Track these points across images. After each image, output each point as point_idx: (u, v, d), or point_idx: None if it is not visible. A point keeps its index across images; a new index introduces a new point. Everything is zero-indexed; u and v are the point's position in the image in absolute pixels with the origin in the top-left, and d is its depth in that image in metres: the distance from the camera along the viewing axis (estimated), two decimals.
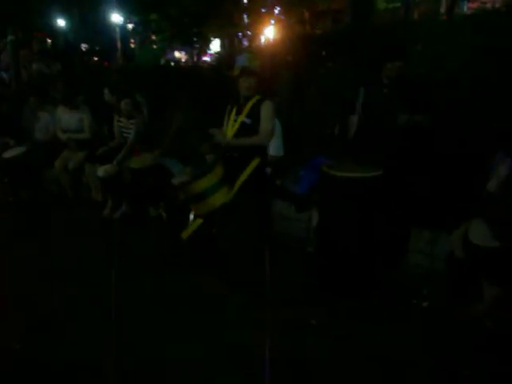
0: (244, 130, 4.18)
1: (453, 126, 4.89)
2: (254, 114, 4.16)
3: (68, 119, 6.99)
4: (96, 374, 3.24)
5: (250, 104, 4.18)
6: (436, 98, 4.77)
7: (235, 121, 4.24)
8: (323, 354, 3.42)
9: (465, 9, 15.80)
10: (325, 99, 6.43)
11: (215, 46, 21.46)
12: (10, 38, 10.06)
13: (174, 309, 4.02)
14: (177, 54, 25.02)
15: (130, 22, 19.27)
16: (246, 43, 16.26)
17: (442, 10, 13.59)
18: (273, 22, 16.05)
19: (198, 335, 3.65)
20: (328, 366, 3.32)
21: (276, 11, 16.71)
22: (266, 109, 4.15)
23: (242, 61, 4.31)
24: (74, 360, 3.39)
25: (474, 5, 16.03)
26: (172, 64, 13.34)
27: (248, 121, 4.17)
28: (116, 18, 16.38)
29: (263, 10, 16.10)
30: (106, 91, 6.65)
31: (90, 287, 4.39)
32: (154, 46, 19.48)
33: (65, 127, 7.01)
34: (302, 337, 3.62)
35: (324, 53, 7.34)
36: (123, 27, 20.43)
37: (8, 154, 6.85)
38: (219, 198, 4.06)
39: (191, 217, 4.75)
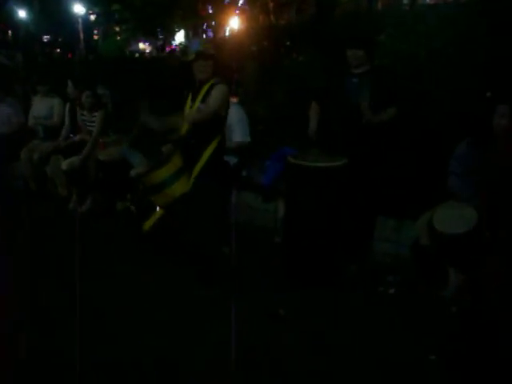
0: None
1: (417, 116, 4.95)
2: (207, 98, 4.10)
3: (39, 106, 6.88)
4: (64, 368, 3.18)
5: (204, 89, 4.12)
6: (401, 88, 4.80)
7: (191, 107, 4.19)
8: (292, 343, 3.43)
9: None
10: (290, 89, 6.43)
11: (180, 37, 21.28)
12: None
13: (139, 303, 3.95)
14: (141, 45, 24.73)
15: (92, 13, 18.95)
16: (210, 34, 16.16)
17: (405, 0, 13.75)
18: (237, 12, 15.98)
19: (164, 330, 3.59)
20: (296, 354, 3.32)
21: (240, 2, 16.65)
22: (216, 90, 4.08)
23: (195, 45, 4.27)
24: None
25: None
26: (136, 55, 13.18)
27: (202, 106, 4.11)
28: (78, 8, 16.08)
29: (226, 1, 16.02)
30: (70, 83, 6.53)
31: (55, 283, 4.30)
32: (118, 38, 19.20)
33: (35, 114, 6.88)
34: (271, 327, 3.61)
35: (289, 43, 7.36)
36: (85, 18, 20.08)
37: None
38: (178, 188, 4.01)
39: (150, 208, 4.70)
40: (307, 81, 6.30)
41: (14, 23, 18.17)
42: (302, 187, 4.19)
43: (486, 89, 4.60)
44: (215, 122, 4.13)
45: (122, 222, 5.66)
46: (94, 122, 6.20)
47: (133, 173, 4.23)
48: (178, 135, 4.21)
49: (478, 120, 4.12)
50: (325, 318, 3.73)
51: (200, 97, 4.12)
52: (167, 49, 19.88)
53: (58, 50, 17.18)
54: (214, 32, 14.79)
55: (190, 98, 4.23)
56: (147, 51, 22.27)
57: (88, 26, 20.00)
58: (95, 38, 22.19)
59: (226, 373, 3.06)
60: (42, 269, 4.57)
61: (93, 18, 20.08)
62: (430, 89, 5.05)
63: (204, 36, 17.36)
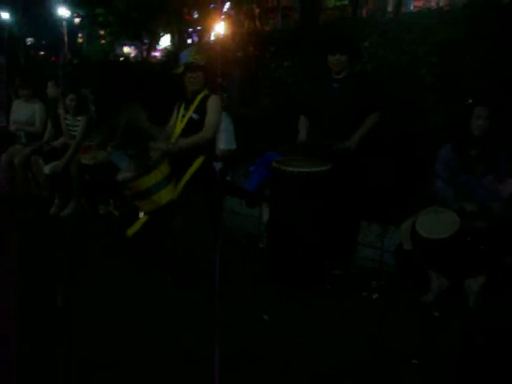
0: (192, 126, 4.15)
1: (400, 122, 5.00)
2: (202, 110, 4.13)
3: (21, 110, 6.81)
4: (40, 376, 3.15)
5: (197, 99, 4.15)
6: (384, 94, 4.85)
7: (183, 116, 4.20)
8: (276, 349, 3.42)
9: (411, 7, 16.18)
10: (275, 94, 6.46)
11: (166, 41, 21.25)
12: None
13: (122, 309, 3.93)
14: (126, 49, 24.65)
15: (77, 16, 18.83)
16: (196, 39, 16.17)
17: (389, 8, 13.88)
18: (223, 17, 16.01)
19: (147, 335, 3.57)
20: (279, 358, 3.31)
21: (226, 7, 16.68)
22: (212, 103, 4.12)
23: (185, 57, 4.28)
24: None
25: (420, 3, 16.45)
26: (121, 59, 13.11)
27: (195, 116, 4.14)
28: (62, 11, 16.00)
29: (212, 6, 16.03)
30: (50, 86, 6.47)
31: (37, 287, 4.26)
32: (102, 41, 19.10)
33: (17, 119, 6.81)
34: (255, 332, 3.60)
35: (273, 49, 7.38)
36: (70, 21, 19.96)
37: None
38: (165, 196, 4.01)
39: (135, 214, 4.68)
40: (291, 86, 6.34)
41: None
42: (285, 192, 4.19)
43: (467, 95, 4.66)
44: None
45: (105, 226, 5.62)
46: (77, 126, 6.15)
47: (120, 177, 4.19)
48: (166, 143, 4.20)
49: (459, 124, 4.18)
50: (308, 323, 3.73)
51: (193, 107, 4.15)
52: (152, 53, 19.86)
53: (42, 53, 17.07)
54: (199, 37, 14.79)
55: (182, 107, 4.24)
56: (132, 55, 22.22)
57: (72, 29, 19.89)
58: (80, 41, 22.10)
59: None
60: (26, 272, 4.54)
61: (77, 21, 19.97)
62: (413, 95, 5.10)
63: (189, 41, 17.37)
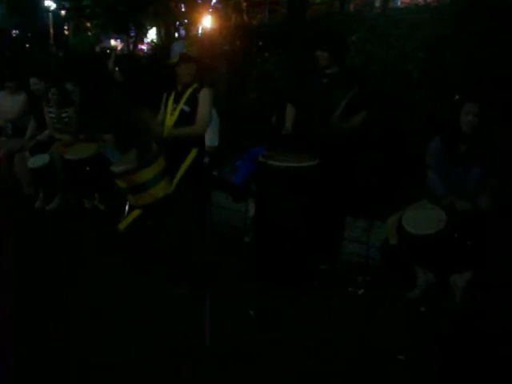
0: (183, 118, 4.10)
1: (387, 117, 5.00)
2: (193, 102, 4.09)
3: (6, 103, 6.74)
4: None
5: (188, 92, 4.10)
6: (371, 90, 4.84)
7: (174, 109, 4.16)
8: (262, 345, 3.41)
9: (398, 3, 16.21)
10: (262, 89, 6.43)
11: (152, 34, 21.08)
12: None
13: (110, 304, 3.89)
14: (112, 41, 24.43)
15: (62, 8, 18.63)
16: (183, 32, 16.02)
17: (377, 3, 13.88)
18: (210, 11, 15.90)
19: (136, 331, 3.55)
20: (265, 354, 3.31)
21: (213, 0, 16.58)
22: (204, 96, 4.09)
23: (179, 48, 4.23)
24: None
25: None
26: (107, 52, 12.97)
27: (187, 109, 4.09)
28: (49, 3, 15.83)
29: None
30: (32, 82, 6.40)
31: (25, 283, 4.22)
32: (89, 34, 18.89)
33: (2, 110, 6.73)
34: (240, 328, 3.59)
35: (261, 43, 7.35)
36: (56, 13, 19.73)
37: None
38: (161, 190, 3.97)
39: (127, 207, 4.64)
40: (278, 81, 6.32)
41: None
42: (272, 187, 4.17)
43: (454, 90, 4.67)
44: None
45: (91, 220, 5.57)
46: (61, 118, 6.08)
47: (116, 169, 4.12)
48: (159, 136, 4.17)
49: (446, 119, 4.19)
50: (294, 318, 3.73)
51: (183, 99, 4.10)
52: (139, 46, 19.70)
53: (28, 45, 16.85)
54: (187, 30, 14.69)
55: (171, 100, 4.20)
56: (119, 48, 22.02)
57: (58, 21, 19.67)
58: (66, 33, 21.85)
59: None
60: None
61: (63, 13, 19.76)
62: (400, 91, 5.10)
63: (176, 34, 17.23)
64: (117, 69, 5.89)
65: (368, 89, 4.60)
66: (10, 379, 3.03)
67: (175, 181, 4.04)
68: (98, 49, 15.22)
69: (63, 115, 6.10)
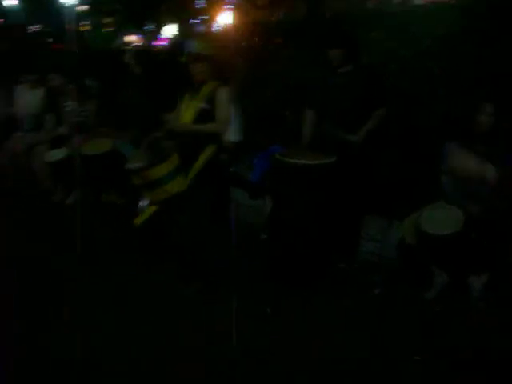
0: (201, 116, 4.12)
1: (407, 116, 4.95)
2: (210, 100, 4.10)
3: (25, 96, 6.82)
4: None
5: (205, 89, 4.11)
6: (390, 88, 4.80)
7: (191, 106, 4.16)
8: (275, 344, 3.41)
9: None
10: (279, 86, 6.40)
11: (172, 30, 21.12)
12: None
13: (122, 301, 3.92)
14: (130, 37, 24.51)
15: (81, 4, 18.74)
16: (201, 28, 16.05)
17: (395, 1, 13.74)
18: (228, 7, 15.87)
19: (149, 329, 3.56)
20: (282, 358, 3.29)
21: None
22: (222, 95, 4.09)
23: (189, 46, 4.24)
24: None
25: None
26: (125, 48, 13.02)
27: (205, 106, 4.10)
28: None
29: None
30: (53, 76, 6.44)
31: (41, 275, 4.26)
32: (107, 29, 18.99)
33: (21, 104, 6.81)
34: (257, 326, 3.59)
35: (279, 40, 7.33)
36: (75, 9, 19.80)
37: None
38: (175, 186, 3.99)
39: (143, 203, 4.66)
40: (295, 79, 6.28)
41: (2, 12, 17.89)
42: (288, 184, 4.17)
43: (473, 89, 4.62)
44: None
45: (108, 214, 5.60)
46: (80, 113, 6.12)
47: (131, 166, 4.17)
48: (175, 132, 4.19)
49: (463, 120, 4.14)
50: (309, 317, 3.72)
51: (200, 97, 4.11)
52: (157, 42, 19.75)
53: (47, 40, 16.96)
54: (205, 26, 14.72)
55: (189, 97, 4.20)
56: (137, 44, 22.08)
57: (78, 16, 19.75)
58: (85, 29, 21.95)
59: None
60: (31, 258, 4.54)
61: (83, 8, 19.85)
62: (419, 88, 5.05)
63: (194, 30, 17.25)
64: (134, 62, 5.90)
65: (387, 86, 4.57)
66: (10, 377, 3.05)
67: (190, 177, 4.05)
68: (116, 44, 15.28)
69: (81, 110, 6.15)
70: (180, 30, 18.13)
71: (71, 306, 3.79)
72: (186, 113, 4.21)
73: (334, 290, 4.10)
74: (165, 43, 19.05)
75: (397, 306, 3.88)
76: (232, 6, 15.80)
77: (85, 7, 18.47)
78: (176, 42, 11.32)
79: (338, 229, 4.29)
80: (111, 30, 17.06)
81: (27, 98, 6.82)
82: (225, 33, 8.84)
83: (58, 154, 5.92)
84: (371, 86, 4.29)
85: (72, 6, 17.78)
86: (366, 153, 4.30)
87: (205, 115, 4.13)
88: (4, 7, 17.74)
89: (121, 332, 3.52)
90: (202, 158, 4.10)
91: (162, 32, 19.20)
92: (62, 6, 17.23)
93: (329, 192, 4.08)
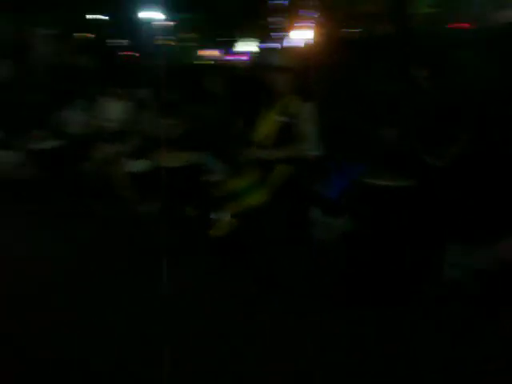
0: (282, 131, 4.13)
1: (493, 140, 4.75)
2: (291, 114, 4.09)
3: (109, 109, 7.07)
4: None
5: (285, 103, 4.12)
6: (476, 109, 4.63)
7: (272, 120, 4.18)
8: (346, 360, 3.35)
9: None
10: (361, 104, 6.31)
11: (249, 45, 21.47)
12: (48, 30, 10.16)
13: (200, 312, 3.95)
14: (209, 52, 25.08)
15: (166, 21, 19.36)
16: (280, 44, 16.19)
17: (490, 16, 13.25)
18: (309, 24, 15.92)
19: (227, 342, 3.57)
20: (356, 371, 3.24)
21: (312, 13, 16.58)
22: (304, 111, 4.08)
23: (273, 59, 4.27)
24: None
25: None
26: (205, 62, 13.34)
27: (285, 120, 4.11)
28: (153, 14, 16.53)
29: (300, 12, 16.00)
30: (139, 90, 6.65)
31: (119, 285, 4.37)
32: (187, 44, 19.53)
33: (105, 116, 7.06)
34: (330, 345, 3.53)
35: (362, 56, 7.23)
36: (159, 25, 20.51)
37: (40, 146, 6.89)
38: (254, 199, 4.02)
39: (222, 215, 4.70)
40: (376, 95, 6.18)
41: (93, 27, 18.74)
42: (368, 205, 4.09)
43: None
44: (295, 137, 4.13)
45: (185, 225, 5.68)
46: (165, 125, 6.30)
47: (211, 178, 4.26)
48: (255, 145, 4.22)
49: None
50: (385, 339, 3.62)
51: (281, 110, 4.12)
52: (236, 56, 20.09)
53: (131, 54, 17.58)
54: (284, 42, 14.85)
55: (270, 111, 4.22)
56: (216, 58, 22.56)
57: (161, 32, 20.42)
58: (165, 43, 22.66)
59: None
60: (104, 267, 4.66)
61: (165, 24, 20.53)
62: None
63: (273, 45, 17.42)
64: (215, 80, 6.02)
65: (476, 107, 4.41)
66: None
67: (269, 191, 4.06)
68: (196, 59, 15.65)
69: (164, 123, 6.31)
70: (258, 44, 18.37)
71: (148, 316, 3.85)
72: (265, 126, 4.23)
73: (408, 314, 3.96)
74: (244, 58, 19.36)
75: (477, 334, 3.71)
76: (311, 21, 15.86)
77: (168, 22, 19.11)
78: (257, 56, 11.44)
79: (419, 252, 4.15)
80: (193, 44, 17.51)
81: (112, 111, 7.08)
82: (305, 47, 8.85)
83: (140, 165, 6.09)
84: (458, 106, 4.15)
85: (156, 21, 18.44)
86: (450, 177, 4.16)
87: (286, 130, 4.13)
88: (92, 22, 18.59)
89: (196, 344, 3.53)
90: (282, 172, 4.10)
91: (241, 46, 19.53)
92: (148, 21, 17.91)
93: (411, 214, 3.97)
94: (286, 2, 15.16)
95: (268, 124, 4.21)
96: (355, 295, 4.16)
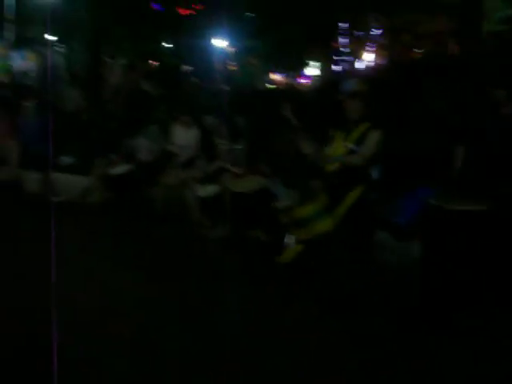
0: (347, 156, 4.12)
1: None
2: (361, 142, 4.08)
3: (178, 135, 7.25)
4: None
5: (358, 131, 4.11)
6: None
7: (342, 147, 4.18)
8: None
9: None
10: (429, 127, 6.20)
11: (314, 68, 21.60)
12: (120, 61, 10.58)
13: (267, 337, 3.92)
14: (274, 76, 25.35)
15: (231, 47, 19.78)
16: (345, 67, 16.20)
17: None
18: (373, 45, 15.89)
19: (296, 364, 3.53)
20: None
21: (376, 34, 16.52)
22: (373, 137, 4.06)
23: (349, 85, 4.26)
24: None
25: None
26: (270, 86, 13.51)
27: (355, 148, 4.10)
28: (218, 42, 16.96)
29: (360, 33, 15.98)
30: (206, 117, 6.80)
31: (188, 307, 4.43)
32: (253, 69, 19.82)
33: (175, 142, 7.26)
34: (404, 380, 3.44)
35: (429, 79, 7.12)
36: (224, 51, 20.96)
37: (114, 171, 7.13)
38: (322, 226, 4.01)
39: (289, 241, 4.71)
40: (448, 120, 6.05)
41: (159, 55, 19.36)
42: (443, 230, 4.00)
43: None
44: (364, 166, 4.12)
45: (253, 250, 5.73)
46: (233, 150, 6.42)
47: (279, 205, 4.30)
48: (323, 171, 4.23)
49: None
50: (468, 369, 3.48)
51: (353, 137, 4.11)
52: (301, 79, 20.23)
53: (197, 80, 17.94)
54: (350, 65, 14.86)
55: (341, 137, 4.23)
56: (280, 82, 22.77)
57: (225, 57, 20.85)
58: (231, 69, 23.10)
59: None
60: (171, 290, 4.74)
61: (230, 50, 20.96)
62: None
63: (337, 68, 17.45)
64: (285, 105, 6.05)
65: None
66: None
67: (337, 217, 4.04)
68: (262, 84, 15.86)
69: (233, 148, 6.43)
70: (322, 67, 18.45)
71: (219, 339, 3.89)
72: (335, 153, 4.23)
73: (486, 339, 3.81)
74: (307, 81, 19.44)
75: None
76: (377, 44, 15.81)
77: (234, 48, 19.52)
78: (327, 80, 11.48)
79: (497, 278, 4.01)
80: (258, 70, 17.78)
81: (182, 136, 7.25)
82: (373, 71, 8.82)
83: (209, 189, 6.20)
84: None
85: (223, 49, 18.89)
86: None
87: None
88: (159, 50, 19.22)
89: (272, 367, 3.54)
90: (350, 199, 4.08)
91: (307, 70, 19.69)
92: (214, 48, 18.37)
93: (486, 239, 3.85)
94: (350, 26, 15.22)
95: (338, 150, 4.21)
96: (431, 320, 4.05)
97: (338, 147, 4.22)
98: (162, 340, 3.79)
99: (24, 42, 17.20)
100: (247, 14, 16.26)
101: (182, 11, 13.81)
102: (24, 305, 4.07)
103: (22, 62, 20.18)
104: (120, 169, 7.13)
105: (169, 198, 6.98)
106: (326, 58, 16.15)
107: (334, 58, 18.26)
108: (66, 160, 8.12)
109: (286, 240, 4.73)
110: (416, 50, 15.14)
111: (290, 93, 9.97)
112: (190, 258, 5.61)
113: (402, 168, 5.83)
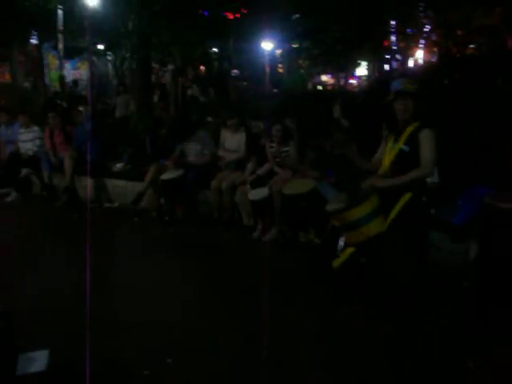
0: (402, 158, 4.04)
1: None
2: (413, 142, 3.99)
3: (228, 139, 7.33)
4: None
5: (408, 131, 4.03)
6: None
7: (393, 148, 4.11)
8: None
9: None
10: (486, 125, 6.04)
11: (362, 69, 21.36)
12: (170, 67, 10.78)
13: (317, 340, 3.91)
14: (323, 77, 25.22)
15: (280, 49, 19.80)
16: (395, 65, 15.94)
17: None
18: (423, 42, 15.59)
19: (351, 365, 3.52)
20: None
21: (426, 30, 16.19)
22: (426, 138, 3.95)
23: (397, 85, 4.18)
24: None
25: None
26: (319, 88, 13.47)
27: (406, 148, 4.01)
28: (266, 45, 16.98)
29: (410, 31, 15.68)
30: (254, 122, 6.83)
31: (237, 309, 4.46)
32: (301, 71, 19.80)
33: (225, 146, 7.35)
34: (459, 380, 3.37)
35: (481, 74, 6.94)
36: (272, 53, 21.03)
37: (166, 176, 7.22)
38: (373, 228, 3.95)
39: (341, 244, 4.66)
40: (503, 116, 5.89)
41: (208, 60, 19.56)
42: (499, 230, 3.88)
43: None
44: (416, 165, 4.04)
45: (304, 253, 5.71)
46: (281, 154, 6.42)
47: (329, 208, 4.25)
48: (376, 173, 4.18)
49: None
50: None
51: (403, 138, 4.04)
52: (349, 80, 20.09)
53: (245, 84, 18.07)
54: (400, 63, 14.61)
55: (392, 138, 4.16)
56: (329, 83, 22.66)
57: (274, 60, 20.91)
58: (279, 71, 23.13)
59: None
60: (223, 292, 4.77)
61: (279, 52, 20.98)
62: None
63: (387, 67, 17.20)
64: (336, 107, 6.03)
65: None
66: None
67: (389, 219, 3.98)
68: (310, 85, 15.83)
69: (283, 150, 6.44)
70: (371, 67, 18.23)
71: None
72: (387, 154, 4.17)
73: None
74: (356, 81, 19.28)
75: None
76: (428, 42, 15.50)
77: (282, 51, 19.55)
78: (376, 80, 11.37)
79: None
80: (307, 71, 17.76)
81: (231, 141, 7.31)
82: (424, 70, 8.66)
83: (259, 193, 6.22)
84: None
85: (272, 51, 18.94)
86: None
87: (403, 157, 4.04)
88: (207, 54, 19.39)
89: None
90: (403, 201, 4.01)
91: (355, 71, 19.52)
92: (263, 52, 18.42)
93: None
94: (401, 23, 14.95)
95: (390, 152, 4.14)
96: (488, 325, 3.94)
97: (391, 151, 4.15)
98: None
99: (74, 51, 17.76)
100: (295, 15, 16.24)
101: (230, 15, 13.92)
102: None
103: (74, 71, 20.86)
104: (171, 174, 7.21)
105: (220, 202, 7.03)
106: (375, 57, 15.93)
107: (386, 56, 18.03)
108: (118, 166, 8.35)
109: (339, 243, 4.68)
110: (470, 46, 14.77)
111: (339, 94, 9.92)
112: (239, 261, 5.64)
113: (458, 167, 5.72)
